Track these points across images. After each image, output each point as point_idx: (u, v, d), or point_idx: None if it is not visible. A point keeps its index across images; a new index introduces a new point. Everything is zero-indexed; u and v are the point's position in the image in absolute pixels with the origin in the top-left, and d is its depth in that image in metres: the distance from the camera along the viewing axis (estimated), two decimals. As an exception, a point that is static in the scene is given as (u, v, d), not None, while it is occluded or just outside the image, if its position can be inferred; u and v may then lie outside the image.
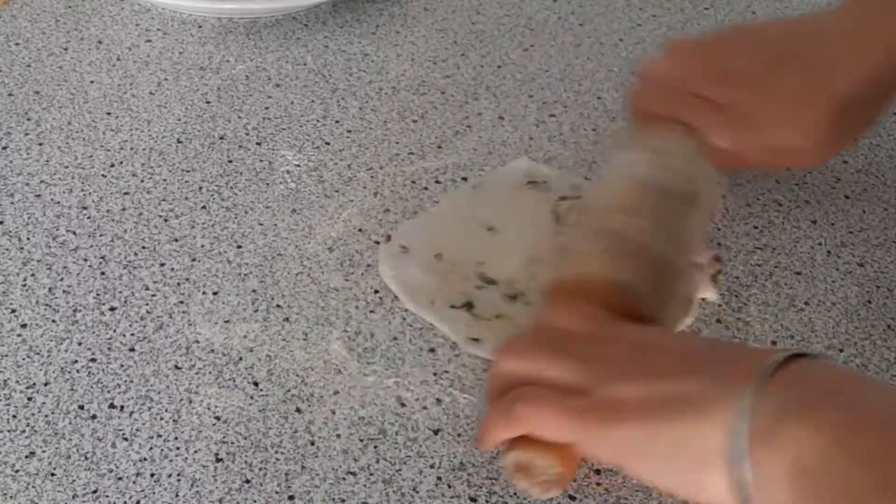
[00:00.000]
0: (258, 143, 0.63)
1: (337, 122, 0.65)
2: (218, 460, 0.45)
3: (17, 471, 0.44)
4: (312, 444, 0.46)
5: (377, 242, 0.56)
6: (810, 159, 0.56)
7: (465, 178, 0.61)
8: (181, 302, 0.52)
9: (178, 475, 0.44)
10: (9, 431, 0.45)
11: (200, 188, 0.59)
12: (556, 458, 0.42)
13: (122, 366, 0.49)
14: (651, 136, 0.53)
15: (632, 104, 0.58)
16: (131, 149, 0.61)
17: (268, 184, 0.60)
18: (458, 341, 0.50)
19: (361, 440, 0.46)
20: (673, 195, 0.50)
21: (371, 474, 0.45)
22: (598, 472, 0.45)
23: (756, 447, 0.36)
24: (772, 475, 0.35)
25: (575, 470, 0.44)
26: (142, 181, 0.59)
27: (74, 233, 0.56)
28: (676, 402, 0.38)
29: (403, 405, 0.48)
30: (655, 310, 0.46)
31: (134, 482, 0.44)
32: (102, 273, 0.53)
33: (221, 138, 0.63)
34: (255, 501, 0.43)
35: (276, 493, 0.44)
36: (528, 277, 0.53)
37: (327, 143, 0.63)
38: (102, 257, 0.54)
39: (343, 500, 0.44)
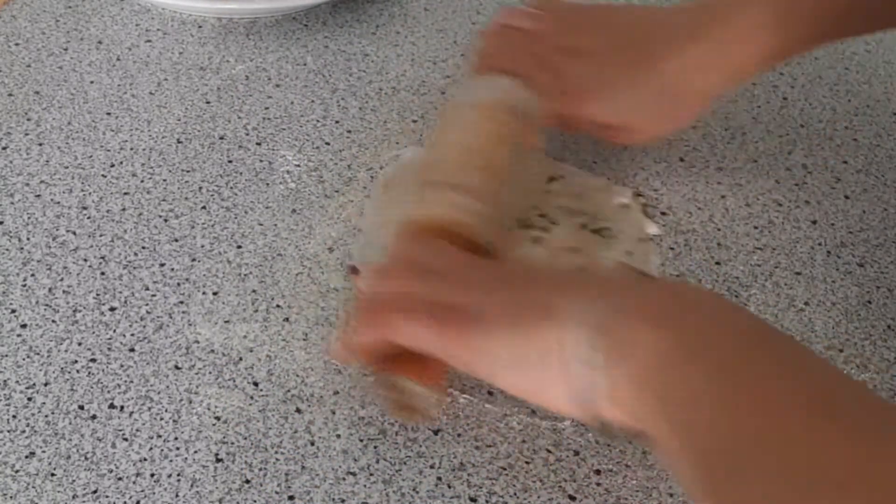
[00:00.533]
0: (258, 143, 0.63)
1: (337, 122, 0.65)
2: (218, 460, 0.45)
3: (17, 471, 0.44)
4: (312, 444, 0.46)
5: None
6: (632, 139, 0.59)
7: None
8: (181, 302, 0.52)
9: (178, 475, 0.44)
10: (9, 431, 0.45)
11: (200, 188, 0.59)
12: (428, 382, 0.45)
13: (122, 366, 0.49)
14: (499, 81, 0.56)
15: (483, 43, 0.61)
16: (131, 149, 0.61)
17: (268, 184, 0.60)
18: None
19: (361, 440, 0.46)
20: (511, 142, 0.53)
21: (371, 474, 0.45)
22: (598, 472, 0.45)
23: (604, 350, 0.38)
24: (615, 378, 0.38)
25: (445, 393, 0.47)
26: (142, 181, 0.59)
27: (74, 233, 0.56)
28: (532, 309, 0.41)
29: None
30: (501, 250, 0.50)
31: (134, 482, 0.44)
32: (102, 273, 0.53)
33: (221, 138, 0.63)
34: (255, 501, 0.43)
35: (276, 493, 0.44)
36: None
37: (327, 143, 0.63)
38: (102, 257, 0.54)
39: (343, 500, 0.44)
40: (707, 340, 0.37)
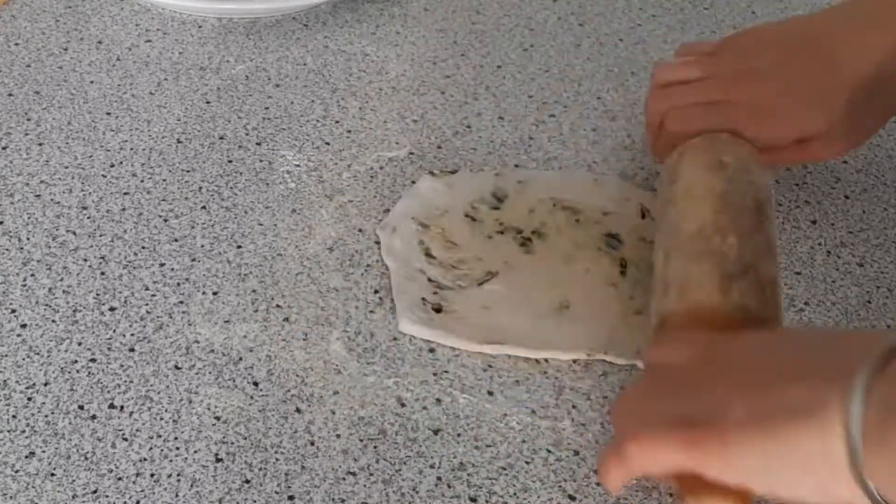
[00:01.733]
0: (258, 143, 0.63)
1: (337, 122, 0.65)
2: (218, 460, 0.45)
3: (17, 471, 0.44)
4: (312, 444, 0.46)
5: (377, 243, 0.56)
6: (836, 146, 0.55)
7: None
8: (181, 302, 0.52)
9: (178, 475, 0.44)
10: (9, 431, 0.45)
11: (200, 188, 0.59)
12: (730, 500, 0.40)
13: (122, 366, 0.49)
14: (707, 149, 0.51)
15: (648, 114, 0.57)
16: (131, 149, 0.61)
17: (268, 184, 0.60)
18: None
19: (361, 440, 0.46)
20: (748, 206, 0.48)
21: (371, 474, 0.45)
22: (597, 472, 0.45)
23: (870, 450, 0.34)
24: (890, 475, 0.34)
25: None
26: (142, 181, 0.59)
27: (74, 233, 0.56)
28: (785, 415, 0.37)
29: (403, 405, 0.48)
30: (765, 327, 0.45)
31: (134, 482, 0.44)
32: (102, 273, 0.53)
33: (221, 138, 0.63)
34: (255, 501, 0.43)
35: (276, 493, 0.44)
36: None
37: (327, 143, 0.63)
38: (102, 257, 0.54)
39: (343, 500, 0.44)
40: None
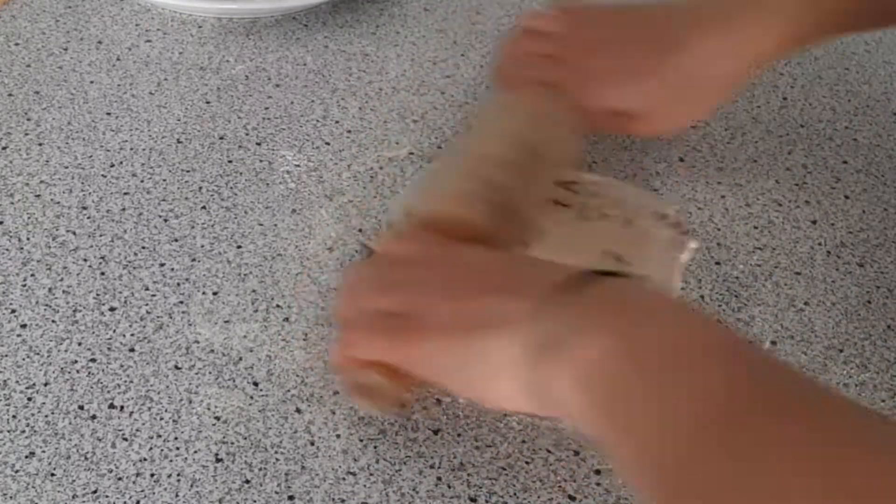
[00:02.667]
0: (258, 143, 0.63)
1: (337, 122, 0.65)
2: (218, 460, 0.45)
3: (17, 471, 0.44)
4: (312, 444, 0.46)
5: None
6: (651, 128, 0.59)
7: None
8: (181, 302, 0.52)
9: (178, 475, 0.44)
10: (9, 431, 0.45)
11: (200, 188, 0.59)
12: (395, 380, 0.45)
13: (122, 366, 0.49)
14: (520, 95, 0.57)
15: (504, 51, 0.63)
16: (131, 149, 0.61)
17: (268, 184, 0.60)
18: None
19: (361, 440, 0.46)
20: (533, 152, 0.53)
21: (371, 474, 0.45)
22: (598, 472, 0.45)
23: (547, 358, 0.39)
24: (561, 384, 0.38)
25: (410, 389, 0.47)
26: (142, 181, 0.59)
27: (74, 233, 0.56)
28: (480, 321, 0.42)
29: (403, 405, 0.48)
30: (499, 243, 0.50)
31: (134, 482, 0.44)
32: (102, 273, 0.53)
33: (221, 138, 0.63)
34: (255, 501, 0.43)
35: (276, 493, 0.44)
36: None
37: (327, 143, 0.63)
38: (102, 257, 0.54)
39: (343, 500, 0.44)
40: (652, 342, 0.37)
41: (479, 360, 0.42)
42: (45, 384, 0.48)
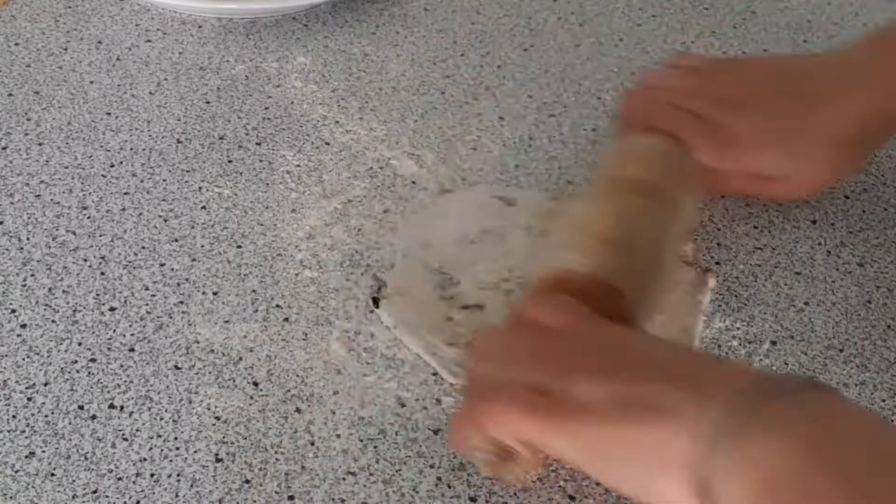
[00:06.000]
0: (258, 143, 0.63)
1: (337, 122, 0.65)
2: (218, 460, 0.45)
3: (17, 471, 0.44)
4: (312, 444, 0.46)
5: (377, 242, 0.56)
6: (792, 191, 0.57)
7: (464, 178, 0.61)
8: (181, 302, 0.52)
9: (178, 475, 0.44)
10: (9, 431, 0.45)
11: (200, 188, 0.59)
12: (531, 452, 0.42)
13: (122, 366, 0.49)
14: (655, 141, 0.53)
15: (623, 108, 0.59)
16: (131, 149, 0.61)
17: (268, 184, 0.60)
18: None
19: (361, 440, 0.46)
20: (658, 199, 0.50)
21: (371, 474, 0.45)
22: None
23: (722, 455, 0.35)
24: (735, 483, 0.35)
25: (543, 463, 0.44)
26: (142, 181, 0.59)
27: (74, 233, 0.56)
28: (641, 407, 0.38)
29: (403, 405, 0.48)
30: (636, 311, 0.46)
31: (134, 482, 0.44)
32: (102, 273, 0.53)
33: (221, 138, 0.63)
34: (255, 501, 0.43)
35: (276, 493, 0.44)
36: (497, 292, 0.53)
37: (327, 144, 0.63)
38: (102, 257, 0.54)
39: (343, 500, 0.44)
40: (839, 451, 0.34)
41: (636, 451, 0.38)
42: (45, 384, 0.48)
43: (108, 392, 0.47)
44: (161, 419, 0.46)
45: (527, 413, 0.40)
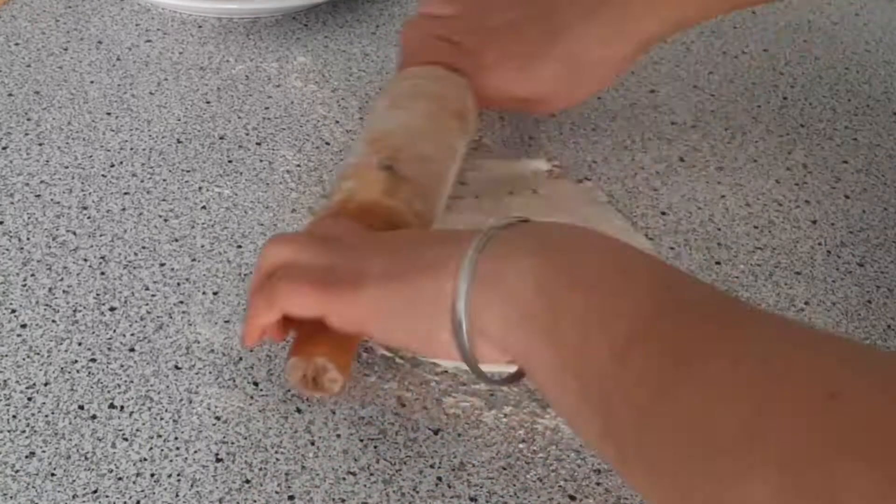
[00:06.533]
0: (258, 143, 0.63)
1: (337, 122, 0.65)
2: (218, 460, 0.45)
3: (17, 471, 0.44)
4: (312, 444, 0.46)
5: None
6: (548, 108, 0.62)
7: (462, 183, 0.61)
8: (181, 302, 0.52)
9: (178, 475, 0.44)
10: (9, 431, 0.45)
11: (200, 188, 0.59)
12: (336, 363, 0.45)
13: (122, 366, 0.49)
14: (427, 69, 0.59)
15: (401, 37, 0.63)
16: (131, 149, 0.61)
17: (268, 184, 0.60)
18: None
19: (361, 440, 0.46)
20: (437, 116, 0.55)
21: (371, 474, 0.45)
22: (598, 471, 0.45)
23: (477, 289, 0.39)
24: (491, 311, 0.39)
25: (349, 369, 0.47)
26: (142, 181, 0.59)
27: (74, 233, 0.56)
28: (413, 265, 0.42)
29: (403, 405, 0.48)
30: (417, 221, 0.50)
31: (134, 482, 0.44)
32: (102, 273, 0.53)
33: (221, 138, 0.63)
34: (255, 501, 0.43)
35: (276, 493, 0.44)
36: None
37: (327, 144, 0.63)
38: (102, 257, 0.54)
39: (343, 500, 0.44)
40: (575, 264, 0.38)
41: (417, 304, 0.42)
42: (45, 384, 0.48)
43: (109, 392, 0.47)
44: (161, 419, 0.46)
45: (314, 286, 0.43)
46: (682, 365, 0.33)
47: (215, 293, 0.53)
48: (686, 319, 0.35)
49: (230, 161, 0.61)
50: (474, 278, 0.39)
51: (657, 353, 0.34)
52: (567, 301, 0.37)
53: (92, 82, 0.67)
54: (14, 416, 0.46)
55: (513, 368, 0.42)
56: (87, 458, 0.45)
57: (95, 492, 0.43)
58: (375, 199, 0.49)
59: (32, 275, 0.53)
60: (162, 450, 0.45)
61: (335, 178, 0.55)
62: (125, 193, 0.58)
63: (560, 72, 0.58)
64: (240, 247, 0.55)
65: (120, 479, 0.44)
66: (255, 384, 0.48)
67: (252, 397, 0.48)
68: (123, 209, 0.57)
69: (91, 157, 0.61)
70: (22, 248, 0.54)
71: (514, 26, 0.59)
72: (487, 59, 0.58)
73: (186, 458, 0.45)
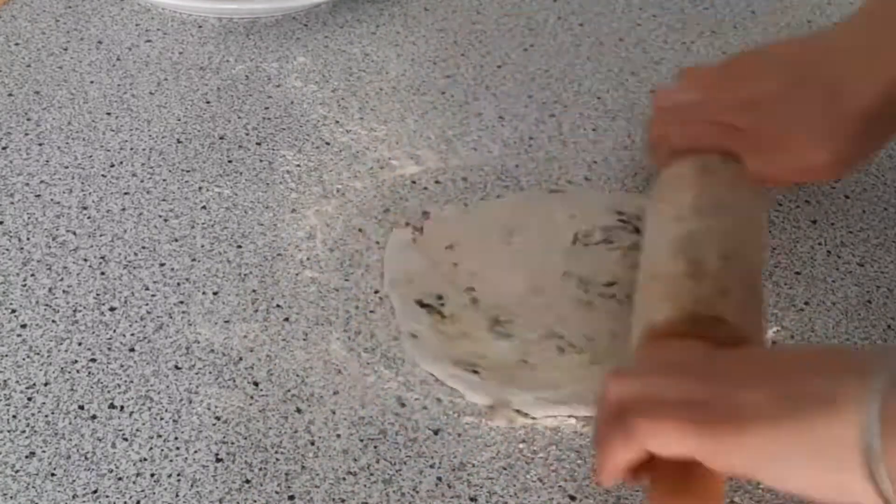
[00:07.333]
0: (258, 143, 0.63)
1: (337, 122, 0.65)
2: (218, 460, 0.45)
3: (17, 471, 0.44)
4: (312, 444, 0.46)
5: (377, 242, 0.56)
6: (836, 172, 0.56)
7: (464, 178, 0.60)
8: (181, 302, 0.52)
9: (178, 475, 0.44)
10: (9, 431, 0.45)
11: (200, 188, 0.59)
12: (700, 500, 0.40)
13: (122, 366, 0.49)
14: (708, 161, 0.53)
15: (652, 135, 0.58)
16: (131, 149, 0.61)
17: (268, 184, 0.60)
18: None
19: (361, 440, 0.46)
20: (732, 215, 0.50)
21: (371, 474, 0.45)
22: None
23: (889, 439, 0.34)
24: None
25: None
26: (142, 181, 0.59)
27: (74, 233, 0.56)
28: (805, 401, 0.37)
29: (403, 405, 0.48)
30: (746, 332, 0.45)
31: (134, 482, 0.44)
32: (102, 273, 0.53)
33: (221, 138, 0.63)
34: (255, 501, 0.43)
35: (276, 493, 0.44)
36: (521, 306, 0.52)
37: (327, 143, 0.63)
38: (102, 257, 0.54)
39: (343, 500, 0.44)
40: None
41: (810, 447, 0.36)
42: (45, 384, 0.48)
43: (109, 392, 0.47)
44: (161, 419, 0.46)
45: (685, 425, 0.38)
46: None
47: (215, 293, 0.53)
48: None
49: (230, 161, 0.61)
50: (883, 428, 0.34)
51: None
52: None
53: (92, 82, 0.67)
54: (14, 416, 0.46)
55: None
56: (87, 458, 0.45)
57: (95, 492, 0.43)
58: (689, 310, 0.45)
59: (32, 275, 0.53)
60: (162, 450, 0.45)
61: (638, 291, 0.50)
62: (125, 193, 0.58)
63: (853, 131, 0.52)
64: (240, 247, 0.55)
65: (120, 479, 0.44)
66: (255, 384, 0.48)
67: (252, 397, 0.48)
68: (123, 209, 0.57)
69: (91, 157, 0.61)
70: (22, 248, 0.54)
71: (779, 92, 0.53)
72: (766, 134, 0.53)
73: (186, 458, 0.45)
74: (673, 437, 0.38)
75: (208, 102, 0.65)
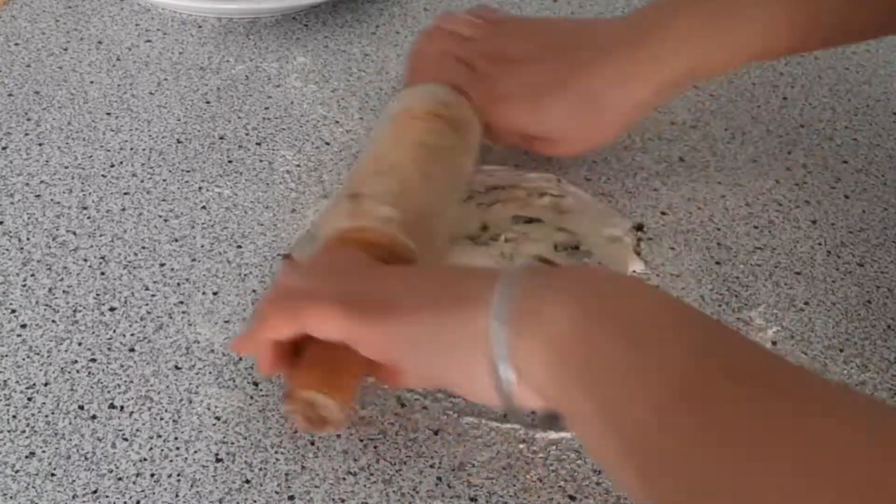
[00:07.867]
0: (258, 143, 0.63)
1: (337, 122, 0.65)
2: (218, 460, 0.45)
3: (17, 471, 0.44)
4: (312, 444, 0.46)
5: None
6: (558, 150, 0.59)
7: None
8: (181, 302, 0.52)
9: (178, 475, 0.44)
10: (9, 431, 0.45)
11: (200, 188, 0.59)
12: (339, 399, 0.43)
13: (122, 366, 0.49)
14: (423, 88, 0.57)
15: (413, 48, 0.62)
16: (131, 149, 0.61)
17: (268, 184, 0.60)
18: None
19: (361, 440, 0.46)
20: (436, 144, 0.53)
21: (371, 474, 0.45)
22: (598, 471, 0.45)
23: (514, 328, 0.38)
24: (529, 354, 0.38)
25: (351, 404, 0.45)
26: (142, 181, 0.59)
27: (74, 233, 0.56)
28: (445, 297, 0.41)
29: (403, 405, 0.48)
30: (414, 258, 0.48)
31: (134, 482, 0.44)
32: (102, 273, 0.53)
33: (221, 138, 0.63)
34: (255, 501, 0.43)
35: (276, 493, 0.44)
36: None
37: (327, 144, 0.63)
38: (102, 257, 0.54)
39: (343, 500, 0.44)
40: (619, 314, 0.37)
41: (448, 337, 0.40)
42: (45, 384, 0.48)
43: (108, 392, 0.47)
44: (161, 419, 0.46)
45: (343, 311, 0.42)
46: (724, 432, 0.32)
47: (215, 293, 0.53)
48: (731, 388, 0.34)
49: (230, 161, 0.61)
50: (508, 317, 0.38)
51: (700, 416, 0.33)
52: (609, 351, 0.36)
53: (92, 82, 0.67)
54: (14, 416, 0.46)
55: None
56: (87, 459, 0.45)
57: (95, 492, 0.43)
58: (344, 225, 0.48)
59: (32, 275, 0.53)
60: (162, 450, 0.45)
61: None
62: (125, 193, 0.58)
63: (572, 110, 0.55)
64: (240, 247, 0.55)
65: (120, 479, 0.44)
66: (255, 384, 0.48)
67: (252, 397, 0.48)
68: (123, 209, 0.57)
69: (91, 157, 0.61)
70: (22, 248, 0.54)
71: (532, 58, 0.57)
72: (500, 89, 0.56)
73: (186, 458, 0.45)
74: (330, 319, 0.42)
75: (208, 102, 0.65)
